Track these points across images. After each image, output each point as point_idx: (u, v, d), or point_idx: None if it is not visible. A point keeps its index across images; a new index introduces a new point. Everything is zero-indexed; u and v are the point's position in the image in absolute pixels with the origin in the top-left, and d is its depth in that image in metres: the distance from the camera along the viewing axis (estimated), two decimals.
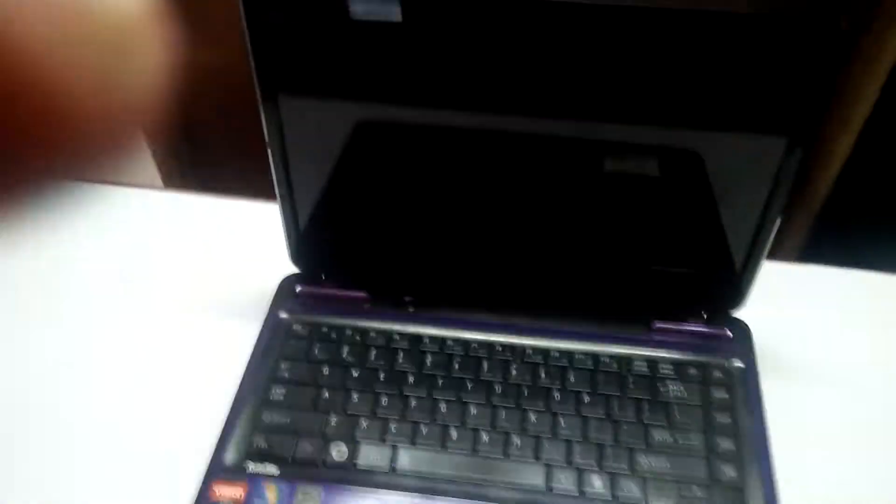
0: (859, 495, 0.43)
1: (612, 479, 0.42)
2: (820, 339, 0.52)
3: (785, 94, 0.39)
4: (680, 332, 0.50)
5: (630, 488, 0.42)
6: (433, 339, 0.49)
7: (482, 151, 0.45)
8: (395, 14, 0.40)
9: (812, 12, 0.37)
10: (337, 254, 0.52)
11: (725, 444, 0.44)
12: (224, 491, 0.41)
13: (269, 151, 0.46)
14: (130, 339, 0.51)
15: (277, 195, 0.48)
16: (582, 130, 0.43)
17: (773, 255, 0.47)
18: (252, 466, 0.43)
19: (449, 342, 0.49)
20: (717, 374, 0.47)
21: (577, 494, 0.42)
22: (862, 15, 0.38)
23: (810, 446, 0.45)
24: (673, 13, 0.37)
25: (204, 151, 1.16)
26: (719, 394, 0.46)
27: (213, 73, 1.05)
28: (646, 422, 0.45)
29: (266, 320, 0.50)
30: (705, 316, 0.51)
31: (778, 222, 0.45)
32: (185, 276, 0.56)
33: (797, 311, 0.53)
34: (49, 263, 0.56)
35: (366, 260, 0.52)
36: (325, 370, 0.47)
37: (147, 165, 1.18)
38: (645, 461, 0.43)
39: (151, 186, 1.12)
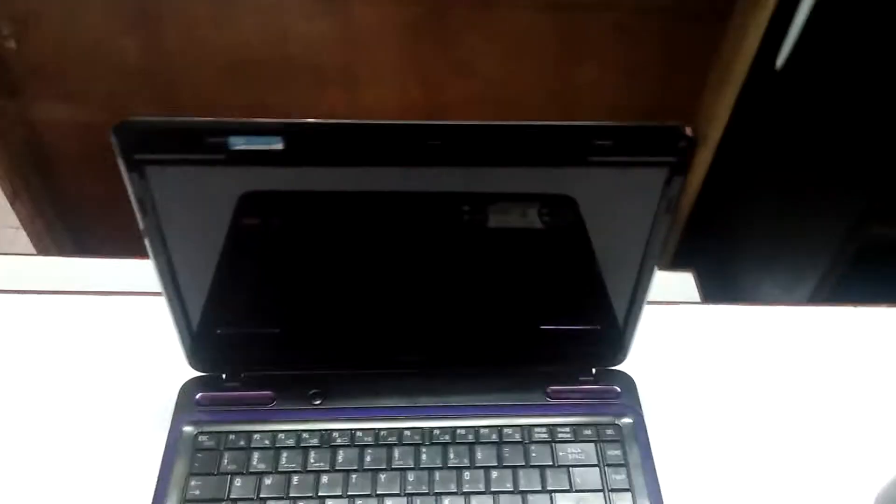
0: None
1: None
2: (701, 379, 0.57)
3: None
4: (572, 393, 0.53)
5: None
6: (342, 431, 0.50)
7: (367, 218, 0.45)
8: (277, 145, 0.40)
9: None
10: (236, 351, 0.52)
11: (623, 502, 0.48)
12: None
13: (151, 254, 0.45)
14: (20, 460, 0.49)
15: (165, 299, 0.47)
16: (467, 184, 0.44)
17: None
18: None
19: (358, 433, 0.50)
20: (609, 431, 0.51)
21: None
22: None
23: (699, 491, 0.50)
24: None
25: (74, 212, 1.11)
26: (613, 451, 0.50)
27: (78, 130, 1.00)
28: (550, 489, 0.48)
29: (169, 434, 0.49)
30: (594, 371, 0.54)
31: (655, 270, 0.49)
32: (70, 374, 0.54)
33: (677, 353, 0.58)
34: None
35: (266, 355, 0.52)
36: (238, 482, 0.47)
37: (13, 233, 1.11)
38: None
39: (19, 253, 1.06)
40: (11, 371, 0.54)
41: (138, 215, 0.43)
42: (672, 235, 1.11)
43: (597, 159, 0.42)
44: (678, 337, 0.60)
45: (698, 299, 0.88)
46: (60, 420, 0.52)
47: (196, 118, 0.40)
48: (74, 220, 1.15)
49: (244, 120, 0.40)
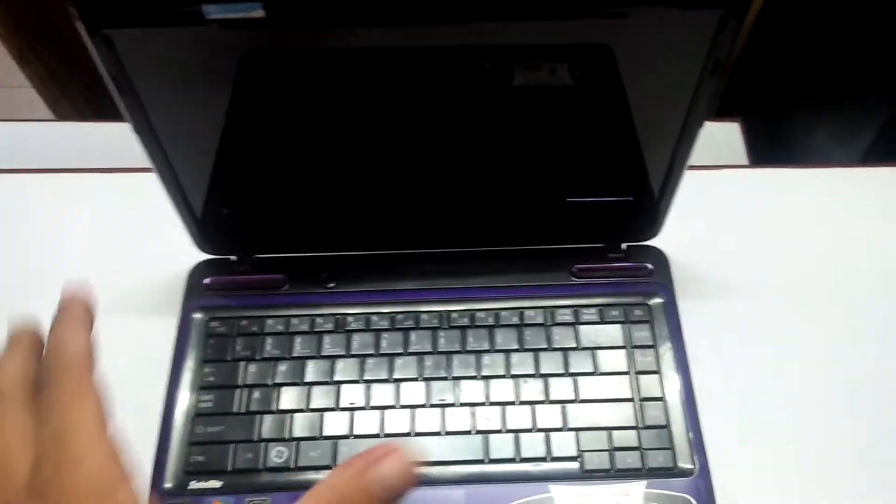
0: (775, 412, 0.46)
1: (547, 437, 0.44)
2: (730, 245, 0.53)
3: None
4: (600, 271, 0.50)
5: (564, 444, 0.44)
6: (357, 316, 0.48)
7: (377, 80, 0.40)
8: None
9: None
10: (245, 232, 0.49)
11: (650, 385, 0.45)
12: None
13: (135, 133, 0.41)
14: None
15: (158, 178, 0.44)
16: (483, 38, 0.38)
17: None
18: (194, 483, 0.43)
19: (374, 317, 0.48)
20: (638, 312, 0.48)
21: (515, 458, 0.43)
22: None
23: (731, 377, 0.47)
24: None
25: (86, 70, 1.06)
26: (640, 333, 0.47)
27: None
28: (573, 372, 0.46)
29: (180, 321, 0.48)
30: (624, 247, 0.51)
31: (700, 131, 0.43)
32: (75, 255, 0.53)
33: (714, 224, 0.54)
34: None
35: (276, 236, 0.50)
36: (252, 368, 0.46)
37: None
38: (575, 414, 0.45)
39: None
40: (14, 249, 0.53)
41: (112, 90, 0.38)
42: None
43: (637, 7, 0.35)
44: (716, 206, 0.55)
45: (743, 152, 0.82)
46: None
47: None
48: (89, 81, 1.11)
49: None
